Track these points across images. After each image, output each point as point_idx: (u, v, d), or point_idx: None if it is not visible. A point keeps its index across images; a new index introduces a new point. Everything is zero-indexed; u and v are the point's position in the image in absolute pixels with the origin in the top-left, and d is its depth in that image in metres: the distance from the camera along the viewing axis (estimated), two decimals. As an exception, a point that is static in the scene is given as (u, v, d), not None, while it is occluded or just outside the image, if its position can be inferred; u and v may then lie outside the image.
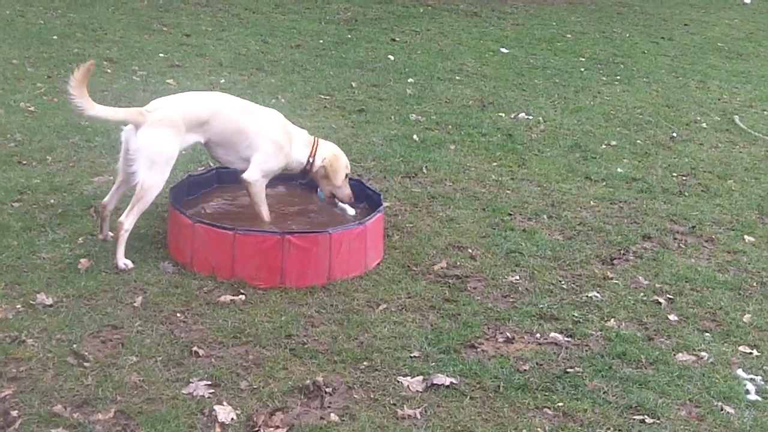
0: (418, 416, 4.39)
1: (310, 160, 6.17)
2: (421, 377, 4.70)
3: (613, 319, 5.54)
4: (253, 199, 6.02)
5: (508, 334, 5.25)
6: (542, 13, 17.31)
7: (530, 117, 9.88)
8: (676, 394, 4.78)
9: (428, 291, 5.70)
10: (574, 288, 5.93)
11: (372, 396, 4.53)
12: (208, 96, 6.23)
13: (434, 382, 4.65)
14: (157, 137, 5.55)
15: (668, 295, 5.95)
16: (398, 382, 4.66)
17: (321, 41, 12.95)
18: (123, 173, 5.75)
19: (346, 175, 6.27)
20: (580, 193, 7.68)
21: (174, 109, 5.70)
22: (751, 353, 5.31)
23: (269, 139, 5.97)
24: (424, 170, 7.88)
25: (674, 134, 9.71)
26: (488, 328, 5.32)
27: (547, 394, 4.67)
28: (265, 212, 6.04)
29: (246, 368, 4.67)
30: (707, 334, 5.50)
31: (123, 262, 5.59)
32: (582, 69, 12.72)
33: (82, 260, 5.62)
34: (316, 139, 6.25)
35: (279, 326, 5.09)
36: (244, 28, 13.34)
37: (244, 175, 5.97)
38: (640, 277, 6.17)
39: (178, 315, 5.14)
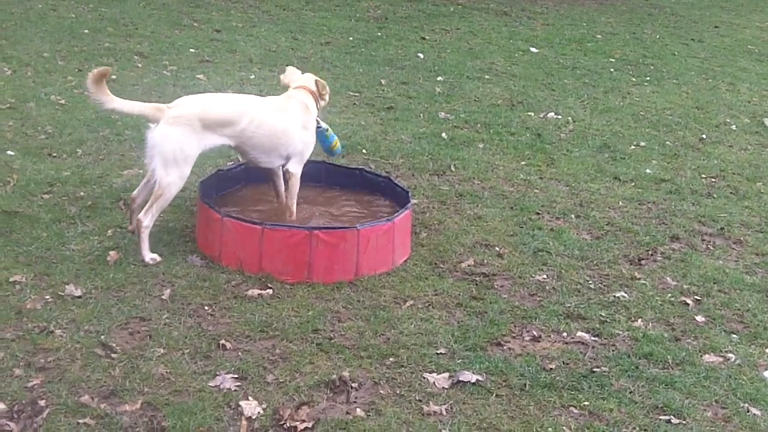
0: (444, 413, 4.40)
1: (318, 106, 6.27)
2: (447, 374, 4.71)
3: (640, 320, 5.52)
4: (291, 191, 6.03)
5: (535, 333, 5.24)
6: (572, 13, 17.23)
7: (559, 117, 9.84)
8: (703, 395, 4.76)
9: (455, 288, 5.70)
10: (602, 288, 5.91)
11: (398, 392, 4.54)
12: (233, 98, 6.20)
13: (460, 379, 4.66)
14: (171, 135, 5.52)
15: (696, 296, 5.92)
16: (424, 378, 4.66)
17: (351, 38, 12.96)
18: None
19: None
20: (609, 194, 7.65)
21: (191, 107, 5.65)
22: (779, 356, 5.28)
23: (304, 128, 6.01)
24: (453, 168, 7.88)
25: (703, 136, 9.65)
26: (515, 327, 5.31)
27: (573, 393, 4.66)
28: (294, 207, 6.05)
29: (273, 362, 4.69)
30: (734, 335, 5.47)
31: (149, 257, 5.60)
32: (612, 70, 12.65)
33: (111, 252, 5.65)
34: (303, 87, 6.25)
35: (306, 321, 5.11)
36: (275, 24, 13.38)
37: (291, 169, 5.99)
38: (668, 278, 6.14)
39: (206, 308, 5.17)
